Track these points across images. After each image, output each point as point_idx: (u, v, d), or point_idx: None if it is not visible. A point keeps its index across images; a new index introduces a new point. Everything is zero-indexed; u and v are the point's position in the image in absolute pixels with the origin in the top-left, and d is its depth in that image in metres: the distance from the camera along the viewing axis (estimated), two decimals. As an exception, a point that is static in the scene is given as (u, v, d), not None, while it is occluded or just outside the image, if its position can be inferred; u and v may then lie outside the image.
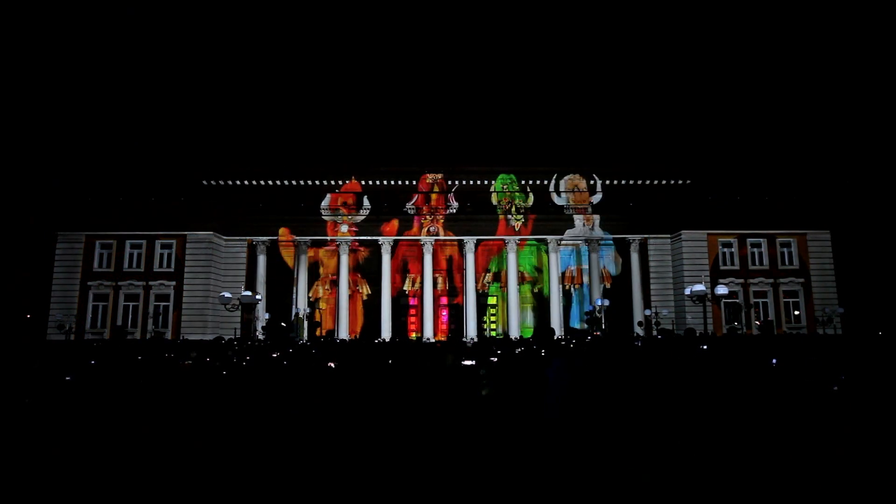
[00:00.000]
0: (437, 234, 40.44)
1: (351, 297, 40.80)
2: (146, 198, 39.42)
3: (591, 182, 41.83)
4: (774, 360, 9.75)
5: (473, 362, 8.90)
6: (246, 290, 32.91)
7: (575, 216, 41.10)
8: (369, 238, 40.60)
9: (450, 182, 45.21)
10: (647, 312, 37.74)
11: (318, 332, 37.66)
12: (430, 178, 45.25)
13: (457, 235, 40.55)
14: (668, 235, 39.97)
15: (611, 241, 41.58)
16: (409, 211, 41.53)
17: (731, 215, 38.58)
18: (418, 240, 40.61)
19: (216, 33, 71.89)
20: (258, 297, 33.27)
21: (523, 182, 41.95)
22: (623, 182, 45.23)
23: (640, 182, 45.83)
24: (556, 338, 20.10)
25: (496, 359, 10.20)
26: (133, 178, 44.14)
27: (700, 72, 70.69)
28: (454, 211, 41.17)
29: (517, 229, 40.53)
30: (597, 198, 41.51)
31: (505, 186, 42.01)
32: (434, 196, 44.14)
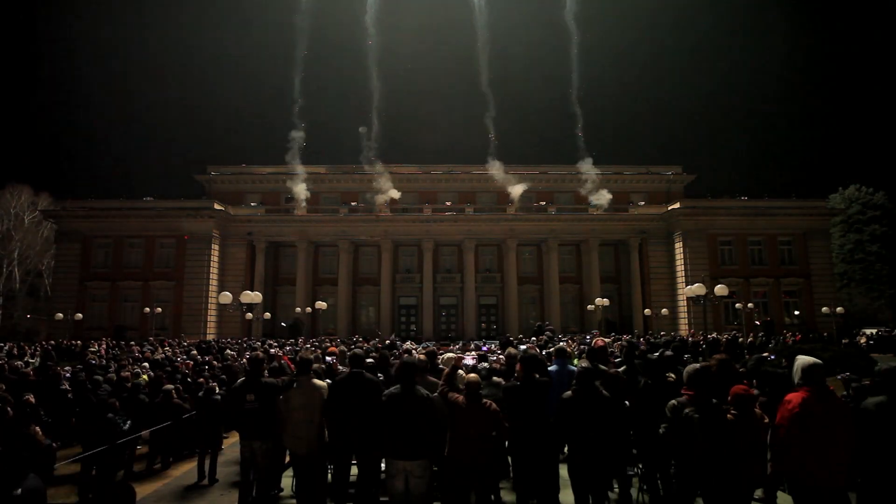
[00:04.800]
0: (438, 234, 40.33)
1: (351, 297, 40.77)
2: (145, 198, 39.45)
3: (594, 182, 41.74)
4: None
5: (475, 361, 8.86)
6: (246, 290, 32.80)
7: (575, 215, 41.07)
8: (369, 238, 40.53)
9: (450, 181, 45.30)
10: (647, 312, 37.72)
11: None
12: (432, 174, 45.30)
13: (457, 235, 40.45)
14: (668, 235, 39.92)
15: (611, 241, 41.58)
16: (408, 209, 41.50)
17: (731, 215, 38.60)
18: (419, 240, 40.53)
19: (217, 32, 71.85)
20: (258, 297, 33.12)
21: (524, 181, 41.88)
22: (623, 182, 45.36)
23: (640, 181, 45.98)
24: (555, 338, 20.05)
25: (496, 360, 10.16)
26: (133, 178, 43.90)
27: (700, 72, 70.65)
28: (453, 210, 41.09)
29: (518, 229, 40.45)
30: (598, 199, 41.44)
31: (504, 185, 41.92)
32: (433, 195, 44.17)
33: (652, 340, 19.99)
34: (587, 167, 41.84)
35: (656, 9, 68.87)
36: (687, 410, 4.60)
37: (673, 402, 4.85)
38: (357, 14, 41.46)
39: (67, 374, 12.15)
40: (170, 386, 9.30)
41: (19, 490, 3.42)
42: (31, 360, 19.02)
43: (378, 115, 41.30)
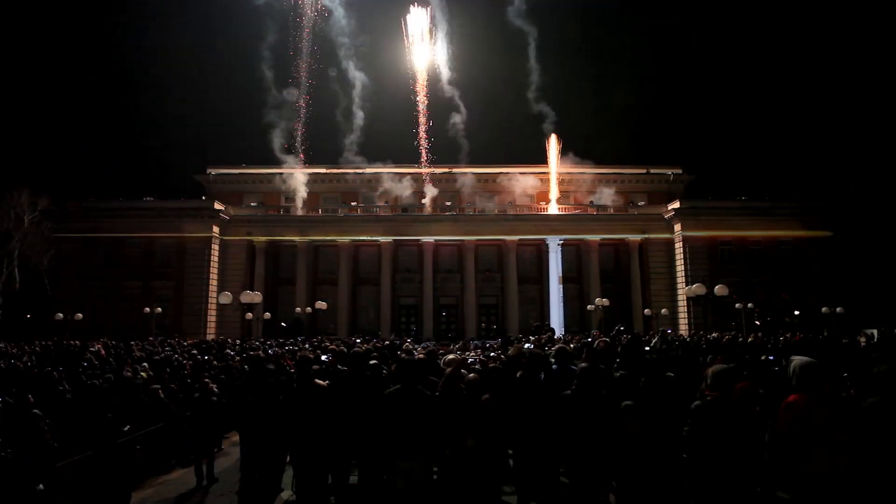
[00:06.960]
0: (438, 234, 40.29)
1: (351, 297, 40.74)
2: (145, 198, 39.45)
3: (594, 182, 41.76)
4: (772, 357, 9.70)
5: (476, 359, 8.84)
6: (246, 290, 32.79)
7: (575, 216, 41.06)
8: (370, 238, 40.50)
9: (450, 181, 45.26)
10: (647, 312, 37.70)
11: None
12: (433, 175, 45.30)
13: (457, 235, 40.41)
14: (668, 235, 39.92)
15: (611, 241, 41.55)
16: (410, 210, 41.49)
17: (732, 215, 38.59)
18: (419, 240, 40.50)
19: (218, 31, 71.87)
20: (258, 297, 33.13)
21: (523, 181, 41.85)
22: (624, 182, 45.31)
23: (640, 182, 45.95)
24: (555, 337, 20.03)
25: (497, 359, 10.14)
26: (132, 178, 43.98)
27: (700, 72, 70.69)
28: (454, 211, 41.08)
29: (518, 229, 40.41)
30: (598, 197, 41.44)
31: (505, 185, 41.94)
32: (433, 195, 44.15)
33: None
34: (587, 167, 41.81)
35: (657, 9, 68.93)
36: (711, 412, 4.57)
37: (697, 402, 4.82)
38: (338, 15, 41.47)
39: (64, 374, 12.12)
40: (156, 385, 9.27)
41: (41, 486, 3.43)
42: (27, 361, 19.00)
43: (365, 113, 41.44)
